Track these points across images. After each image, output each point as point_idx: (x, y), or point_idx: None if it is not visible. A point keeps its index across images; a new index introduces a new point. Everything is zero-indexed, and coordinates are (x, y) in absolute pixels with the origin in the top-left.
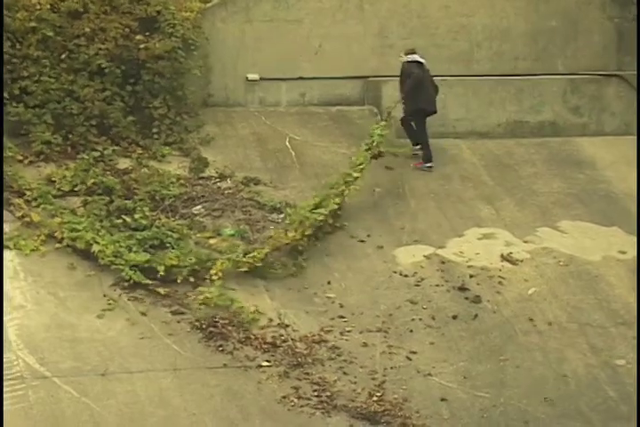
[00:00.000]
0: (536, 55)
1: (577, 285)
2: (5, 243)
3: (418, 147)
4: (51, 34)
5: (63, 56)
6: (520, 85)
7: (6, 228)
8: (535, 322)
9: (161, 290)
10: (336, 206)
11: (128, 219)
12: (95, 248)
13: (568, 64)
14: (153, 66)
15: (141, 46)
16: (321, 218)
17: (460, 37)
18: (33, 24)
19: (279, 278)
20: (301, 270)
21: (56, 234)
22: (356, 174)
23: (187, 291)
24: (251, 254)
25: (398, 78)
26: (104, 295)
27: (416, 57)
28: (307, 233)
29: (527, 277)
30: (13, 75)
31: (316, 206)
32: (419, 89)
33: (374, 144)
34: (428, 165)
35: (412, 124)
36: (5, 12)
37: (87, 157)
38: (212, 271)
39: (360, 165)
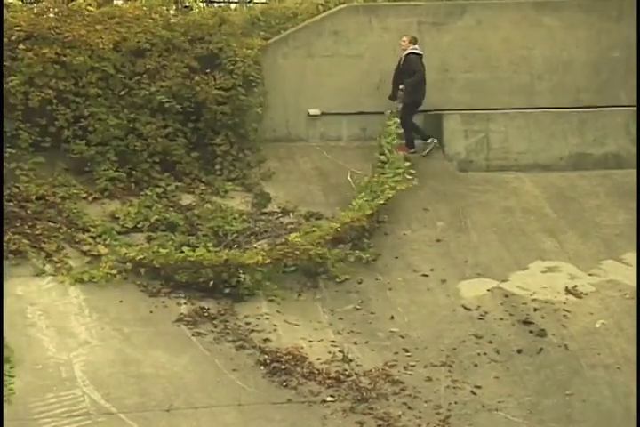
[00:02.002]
0: (598, 87)
1: None
2: (70, 280)
3: (429, 141)
4: (112, 72)
5: (123, 93)
6: (582, 117)
7: (71, 263)
8: (601, 356)
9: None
10: (390, 195)
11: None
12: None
13: (631, 95)
14: (213, 104)
15: (202, 85)
16: (381, 202)
17: (520, 70)
18: (94, 63)
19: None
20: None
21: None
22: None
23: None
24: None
25: (396, 67)
26: (168, 331)
27: (418, 48)
28: (368, 213)
29: (592, 311)
30: (76, 113)
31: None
32: (422, 84)
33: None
34: (413, 150)
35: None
36: (67, 51)
37: (150, 194)
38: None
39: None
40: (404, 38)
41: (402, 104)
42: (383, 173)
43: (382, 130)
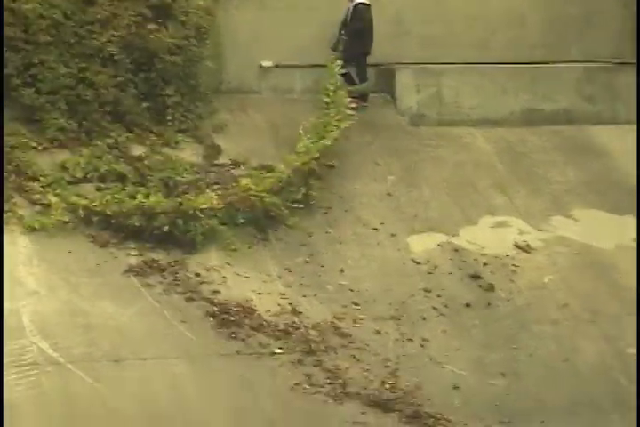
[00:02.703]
0: (551, 43)
1: (590, 273)
2: (20, 228)
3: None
4: (62, 20)
5: (73, 41)
6: (534, 73)
7: (20, 212)
8: (548, 311)
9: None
10: (335, 135)
11: None
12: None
13: (583, 52)
14: (165, 55)
15: (154, 35)
16: (328, 143)
17: (476, 24)
18: (44, 11)
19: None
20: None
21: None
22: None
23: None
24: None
25: (343, 19)
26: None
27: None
28: (315, 156)
29: (540, 266)
30: (25, 61)
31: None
32: (367, 33)
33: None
34: (365, 104)
35: (352, 68)
36: None
37: (100, 144)
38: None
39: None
40: None
41: (347, 56)
42: (327, 115)
43: (326, 72)
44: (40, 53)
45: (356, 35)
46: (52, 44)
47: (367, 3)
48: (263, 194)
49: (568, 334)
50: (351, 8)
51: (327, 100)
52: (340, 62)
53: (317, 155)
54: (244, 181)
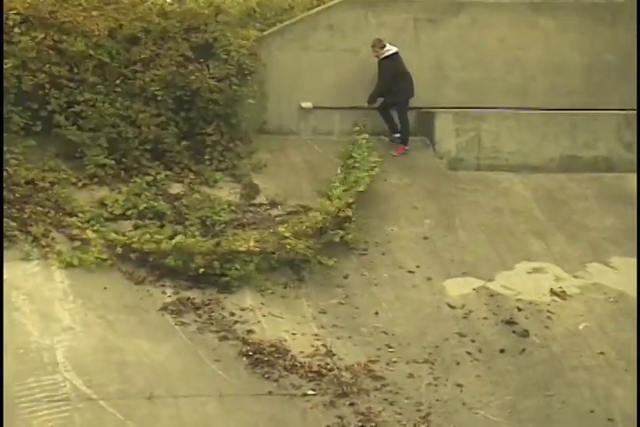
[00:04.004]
0: (590, 90)
1: (626, 322)
2: (58, 264)
3: (397, 135)
4: (107, 60)
5: (118, 82)
6: (574, 120)
7: (58, 247)
8: (583, 358)
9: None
10: (367, 181)
11: None
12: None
13: (623, 99)
14: (207, 94)
15: (196, 74)
16: (361, 189)
17: (514, 70)
18: (90, 50)
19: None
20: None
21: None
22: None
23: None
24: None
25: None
26: (152, 320)
27: (391, 48)
28: (350, 201)
29: (576, 313)
30: (70, 99)
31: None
32: (403, 81)
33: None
34: (406, 147)
35: (393, 111)
36: (63, 37)
37: (140, 181)
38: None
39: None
40: (376, 47)
41: (388, 104)
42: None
43: (354, 142)
44: (85, 92)
45: (387, 89)
46: (97, 83)
47: (392, 52)
48: (298, 240)
49: (602, 382)
50: (377, 63)
51: (356, 164)
52: (366, 135)
53: (352, 200)
54: (281, 228)
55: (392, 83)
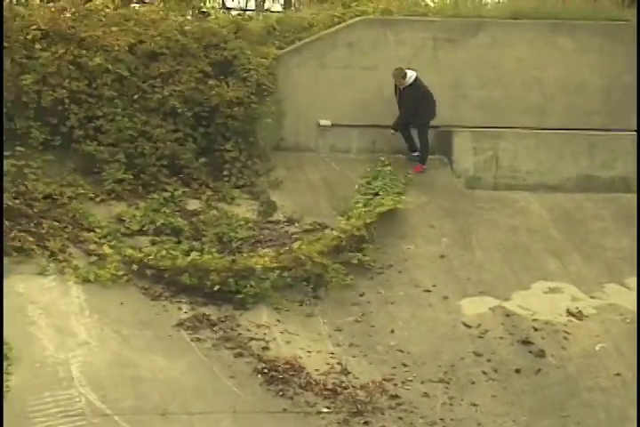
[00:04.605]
0: (609, 110)
1: None
2: (74, 279)
3: (416, 154)
4: (126, 74)
5: (136, 96)
6: (592, 140)
7: (75, 262)
8: (599, 379)
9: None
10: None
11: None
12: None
13: None
14: (226, 110)
15: (214, 91)
16: (383, 210)
17: (533, 90)
18: (109, 65)
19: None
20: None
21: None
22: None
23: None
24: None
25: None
26: (167, 335)
27: (412, 74)
28: (368, 221)
29: (592, 333)
30: (88, 113)
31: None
32: (427, 101)
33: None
34: (424, 166)
35: (413, 130)
36: (83, 52)
37: (157, 197)
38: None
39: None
40: (398, 77)
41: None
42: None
43: (375, 171)
44: (103, 106)
45: (413, 115)
46: (115, 98)
47: (414, 78)
48: (315, 257)
49: (618, 404)
50: (401, 90)
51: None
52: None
53: (370, 221)
54: (297, 245)
55: (415, 108)
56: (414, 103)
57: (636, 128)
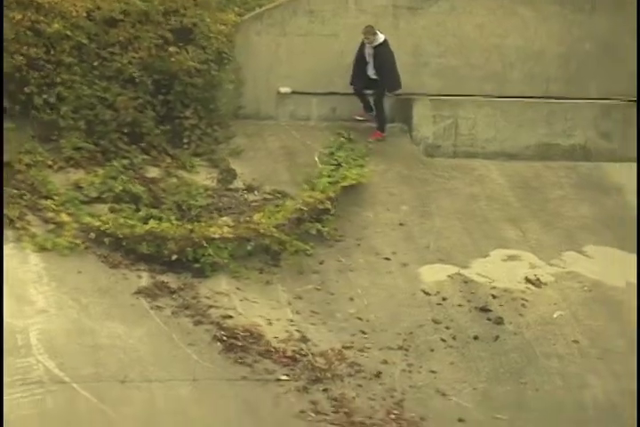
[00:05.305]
0: (568, 78)
1: (600, 310)
2: (32, 247)
3: (374, 113)
4: (85, 41)
5: (96, 63)
6: (552, 108)
7: (33, 230)
8: (556, 346)
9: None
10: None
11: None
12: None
13: (600, 88)
14: (185, 78)
15: (174, 58)
16: (345, 184)
17: (493, 58)
18: (68, 31)
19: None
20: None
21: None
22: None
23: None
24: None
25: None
26: (126, 303)
27: (381, 34)
28: (332, 195)
29: (550, 301)
30: (47, 80)
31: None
32: (394, 69)
33: None
34: (384, 134)
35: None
36: (41, 17)
37: (116, 165)
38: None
39: None
40: (367, 34)
41: (380, 90)
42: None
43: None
44: (62, 73)
45: (390, 72)
46: (74, 65)
47: (384, 38)
48: (273, 229)
49: (576, 370)
50: (372, 50)
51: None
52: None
53: (334, 195)
54: (257, 217)
55: (383, 69)
56: (385, 64)
57: (595, 96)
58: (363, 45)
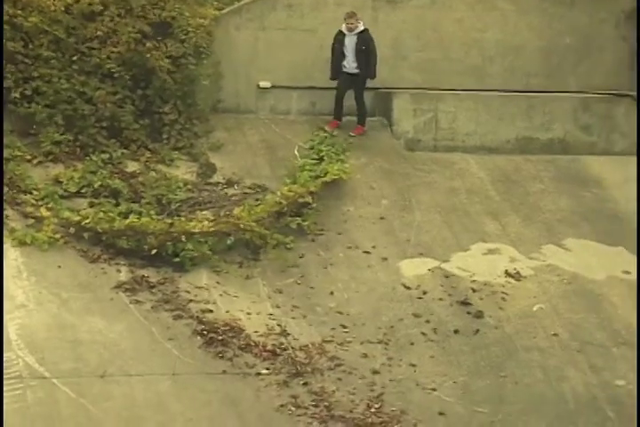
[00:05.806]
0: (548, 72)
1: (580, 303)
2: (11, 242)
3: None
4: (63, 36)
5: (75, 58)
6: (531, 102)
7: (12, 225)
8: (537, 339)
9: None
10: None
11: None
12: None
13: (580, 82)
14: (163, 72)
15: (153, 52)
16: (326, 180)
17: (472, 52)
18: (45, 26)
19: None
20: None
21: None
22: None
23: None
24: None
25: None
26: (106, 298)
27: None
28: (312, 190)
29: (530, 294)
30: (25, 74)
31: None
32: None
33: None
34: (364, 128)
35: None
36: (19, 12)
37: (95, 159)
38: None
39: None
40: (351, 19)
41: (360, 85)
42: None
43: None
44: (40, 68)
45: (375, 58)
46: (52, 59)
47: (365, 27)
48: (253, 224)
49: (555, 363)
50: (356, 36)
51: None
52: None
53: (314, 189)
54: (237, 212)
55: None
56: (371, 50)
57: (575, 89)
58: (341, 36)
